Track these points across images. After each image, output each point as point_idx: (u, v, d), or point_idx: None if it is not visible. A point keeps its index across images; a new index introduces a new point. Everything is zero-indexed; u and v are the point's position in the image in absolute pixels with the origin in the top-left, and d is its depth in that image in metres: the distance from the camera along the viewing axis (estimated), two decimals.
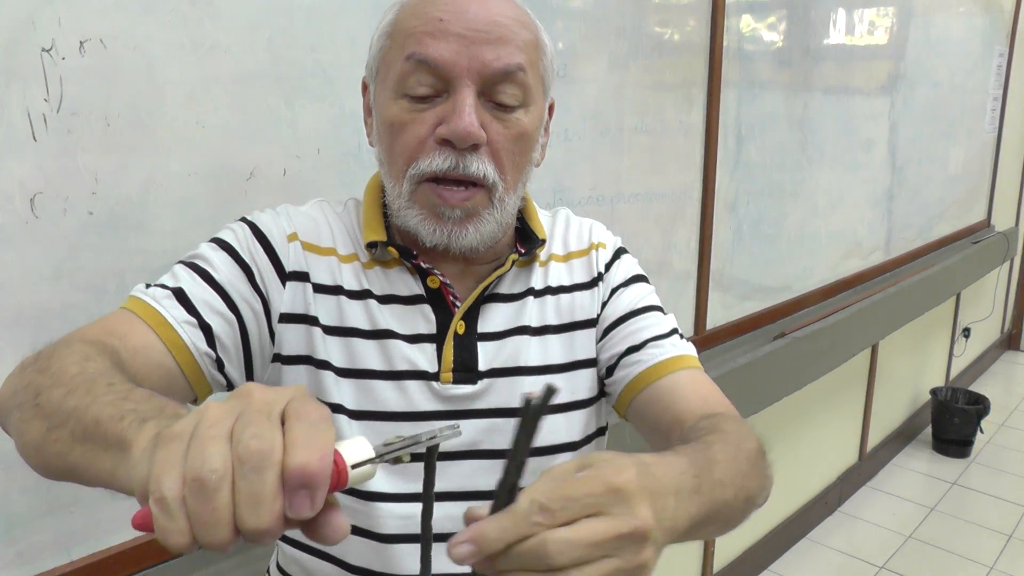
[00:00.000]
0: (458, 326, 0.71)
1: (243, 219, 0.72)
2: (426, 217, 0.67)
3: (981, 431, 3.21)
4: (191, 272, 0.67)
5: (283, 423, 0.38)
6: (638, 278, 0.79)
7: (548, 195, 1.38)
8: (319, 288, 0.70)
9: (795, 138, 2.05)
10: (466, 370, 0.70)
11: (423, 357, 0.70)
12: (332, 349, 0.69)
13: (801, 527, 2.59)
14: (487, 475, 0.70)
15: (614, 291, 0.77)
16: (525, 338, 0.73)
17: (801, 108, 2.05)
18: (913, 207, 2.86)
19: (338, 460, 0.38)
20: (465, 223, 0.67)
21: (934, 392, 3.30)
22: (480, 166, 0.65)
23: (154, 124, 0.87)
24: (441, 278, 0.71)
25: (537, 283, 0.76)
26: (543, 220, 0.80)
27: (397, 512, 0.69)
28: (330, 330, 0.70)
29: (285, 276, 0.70)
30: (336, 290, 0.71)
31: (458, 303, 0.72)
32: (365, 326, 0.70)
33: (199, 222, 0.91)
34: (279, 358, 0.70)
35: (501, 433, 0.71)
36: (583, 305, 0.76)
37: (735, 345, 1.95)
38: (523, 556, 0.39)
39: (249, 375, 0.70)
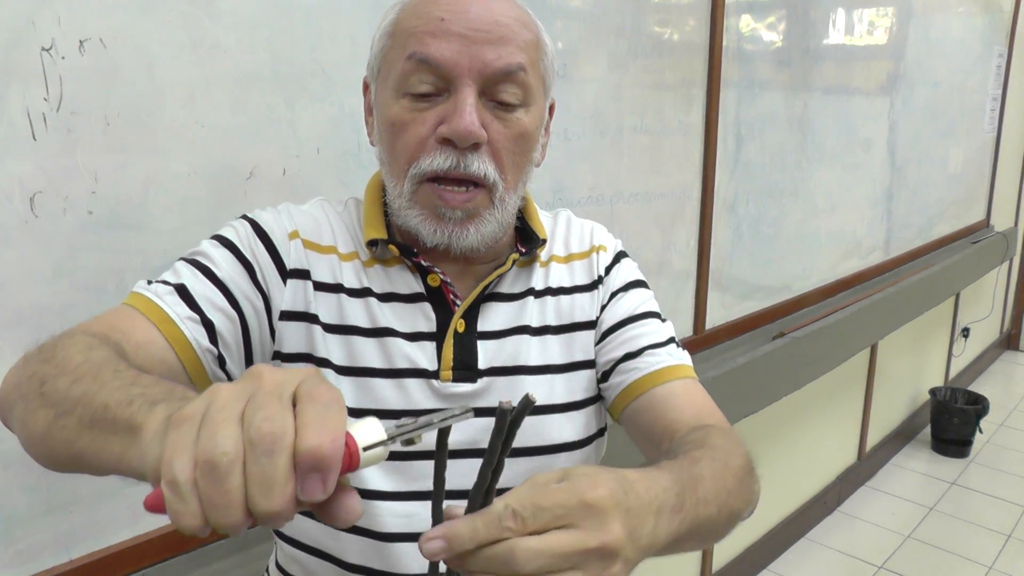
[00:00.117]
0: (458, 324, 0.71)
1: (244, 216, 0.72)
2: (427, 217, 0.67)
3: (980, 431, 3.21)
4: (193, 269, 0.67)
5: (295, 404, 0.38)
6: (638, 283, 0.79)
7: (547, 195, 1.38)
8: (320, 286, 0.70)
9: (794, 138, 2.06)
10: (466, 368, 0.71)
11: (423, 355, 0.70)
12: (332, 347, 0.69)
13: (800, 527, 2.59)
14: None
15: (613, 295, 0.77)
16: (525, 338, 0.73)
17: (800, 108, 2.05)
18: (912, 207, 2.86)
19: (350, 442, 0.38)
20: (466, 224, 0.67)
21: (933, 392, 3.30)
22: (481, 165, 0.65)
23: (154, 124, 0.87)
24: (442, 276, 0.71)
25: (538, 283, 0.76)
26: (544, 221, 0.80)
27: (397, 511, 0.69)
28: (330, 328, 0.70)
29: (286, 274, 0.70)
30: (336, 288, 0.71)
31: (458, 301, 0.72)
32: (365, 324, 0.70)
33: (199, 222, 0.91)
34: (279, 356, 0.70)
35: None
36: (583, 307, 0.76)
37: (734, 345, 1.95)
38: (492, 559, 0.41)
39: None
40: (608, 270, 0.79)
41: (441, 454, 0.46)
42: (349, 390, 0.69)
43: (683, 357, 0.76)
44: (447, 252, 0.69)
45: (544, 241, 0.76)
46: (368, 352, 0.69)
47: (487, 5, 0.65)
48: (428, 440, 0.68)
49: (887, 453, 3.17)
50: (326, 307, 0.70)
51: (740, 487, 0.59)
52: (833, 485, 2.75)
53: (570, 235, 0.80)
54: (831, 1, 2.09)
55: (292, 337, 0.70)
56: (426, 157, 0.65)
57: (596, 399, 0.77)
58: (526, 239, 0.77)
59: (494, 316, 0.73)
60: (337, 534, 0.69)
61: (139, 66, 0.85)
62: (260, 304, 0.69)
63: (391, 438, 0.40)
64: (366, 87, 0.74)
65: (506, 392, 0.71)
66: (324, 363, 0.69)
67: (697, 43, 1.67)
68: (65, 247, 0.83)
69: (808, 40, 2.02)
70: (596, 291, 0.77)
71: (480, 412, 0.71)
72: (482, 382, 0.71)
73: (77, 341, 0.55)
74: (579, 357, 0.76)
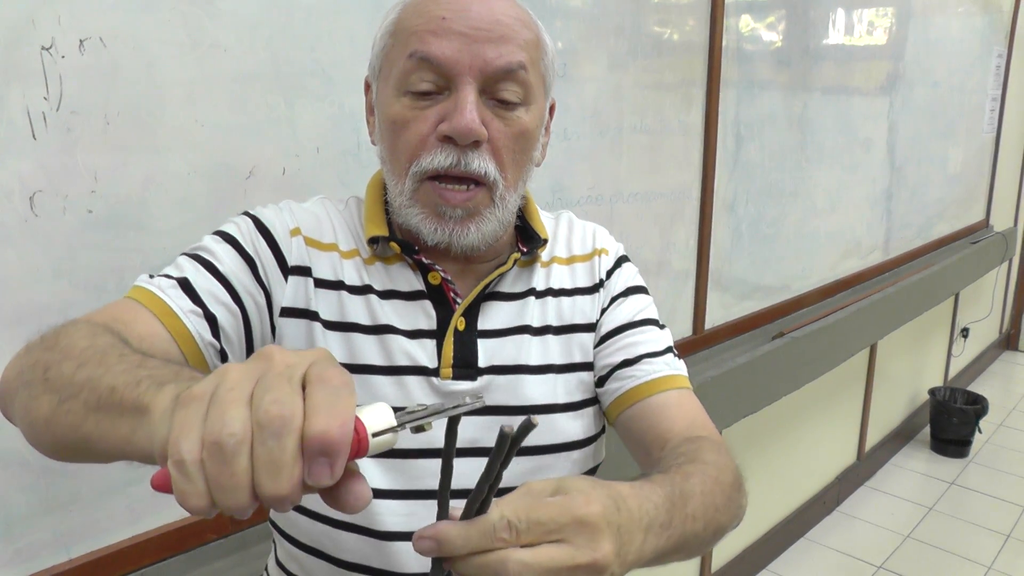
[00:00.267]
0: (458, 322, 0.71)
1: (246, 212, 0.72)
2: (428, 216, 0.67)
3: (979, 431, 3.21)
4: (195, 263, 0.67)
5: (304, 387, 0.37)
6: (638, 289, 0.80)
7: (547, 194, 1.38)
8: (320, 283, 0.71)
9: (794, 138, 2.06)
10: (466, 366, 0.71)
11: (423, 353, 0.70)
12: (332, 344, 0.69)
13: (799, 527, 2.59)
14: None
15: (614, 299, 0.78)
16: (526, 337, 0.73)
17: (800, 108, 2.05)
18: (912, 207, 2.86)
19: (359, 428, 0.38)
20: (467, 222, 0.67)
21: (932, 392, 3.30)
22: (481, 163, 0.66)
23: (154, 123, 0.87)
24: (442, 274, 0.71)
25: (539, 284, 0.76)
26: (545, 222, 0.80)
27: (396, 509, 0.69)
28: (330, 325, 0.70)
29: (287, 270, 0.70)
30: (337, 285, 0.71)
31: (459, 300, 0.72)
32: (365, 321, 0.70)
33: (198, 221, 0.91)
34: None
35: None
36: (584, 309, 0.77)
37: (734, 345, 1.95)
38: (483, 567, 0.42)
39: None
40: (610, 274, 0.79)
41: (450, 444, 0.45)
42: None
43: (679, 367, 0.76)
44: (448, 250, 0.70)
45: (545, 241, 0.76)
46: (368, 349, 0.69)
47: (488, 4, 0.65)
48: (429, 439, 0.68)
49: (886, 453, 3.17)
50: (326, 304, 0.70)
51: (728, 503, 0.60)
52: (832, 485, 2.76)
53: (572, 237, 0.80)
54: (831, 1, 2.09)
55: (292, 334, 0.70)
56: (427, 155, 0.65)
57: (595, 400, 0.77)
58: (527, 239, 0.77)
59: (495, 315, 0.73)
60: (336, 533, 0.69)
61: (139, 65, 0.85)
62: (262, 299, 0.69)
63: (401, 424, 0.39)
64: (368, 87, 0.74)
65: (506, 390, 0.71)
66: None
67: (697, 43, 1.67)
68: (65, 246, 0.83)
69: (808, 40, 2.02)
70: (597, 294, 0.78)
71: (480, 410, 0.71)
72: (482, 380, 0.71)
73: (80, 328, 0.55)
74: (578, 359, 0.76)
